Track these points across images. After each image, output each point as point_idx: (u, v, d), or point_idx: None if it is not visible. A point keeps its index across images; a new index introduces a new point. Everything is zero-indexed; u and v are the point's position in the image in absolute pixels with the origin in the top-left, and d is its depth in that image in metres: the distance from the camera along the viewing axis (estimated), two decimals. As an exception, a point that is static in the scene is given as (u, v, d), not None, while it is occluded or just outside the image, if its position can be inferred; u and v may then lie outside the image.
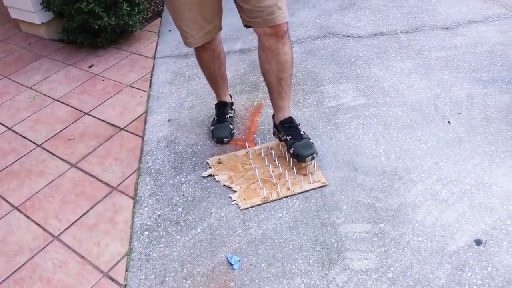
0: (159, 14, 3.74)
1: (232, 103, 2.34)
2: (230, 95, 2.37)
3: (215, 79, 2.19)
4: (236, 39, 3.15)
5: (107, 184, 2.06)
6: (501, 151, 1.96)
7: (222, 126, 2.20)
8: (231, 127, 2.22)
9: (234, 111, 2.37)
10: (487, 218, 1.67)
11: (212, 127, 2.23)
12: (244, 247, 1.68)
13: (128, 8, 3.04)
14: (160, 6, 3.87)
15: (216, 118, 2.26)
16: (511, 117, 2.14)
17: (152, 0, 4.00)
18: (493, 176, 1.84)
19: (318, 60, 2.76)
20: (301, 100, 2.43)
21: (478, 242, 1.59)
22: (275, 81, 1.90)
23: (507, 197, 1.74)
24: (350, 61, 2.72)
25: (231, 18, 3.46)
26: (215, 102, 2.33)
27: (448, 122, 2.15)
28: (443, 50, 2.72)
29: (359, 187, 1.86)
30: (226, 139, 2.17)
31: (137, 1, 3.14)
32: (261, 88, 2.56)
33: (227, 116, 2.24)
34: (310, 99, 2.43)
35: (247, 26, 1.82)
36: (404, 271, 1.52)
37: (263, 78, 1.98)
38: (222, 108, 2.26)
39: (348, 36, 3.00)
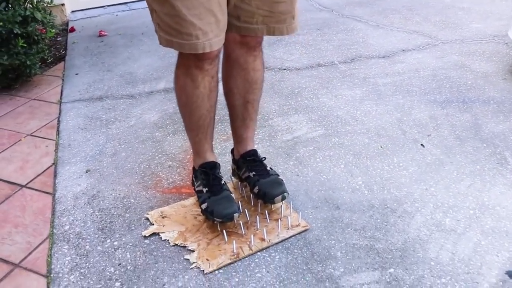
0: (61, 59, 3.22)
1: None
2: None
3: (207, 124, 1.48)
4: (158, 79, 2.74)
5: (6, 261, 1.46)
6: (487, 169, 1.74)
7: (222, 198, 1.46)
8: (234, 196, 1.51)
9: None
10: (507, 244, 1.39)
11: (205, 204, 1.47)
12: (219, 326, 1.20)
13: (25, 45, 2.50)
14: (62, 51, 3.36)
15: (206, 190, 1.50)
16: (481, 134, 1.96)
17: (52, 45, 3.47)
18: (492, 197, 1.59)
19: (258, 94, 2.44)
20: (248, 136, 2.05)
21: (511, 274, 1.28)
22: (239, 103, 1.52)
23: (519, 218, 1.49)
24: (294, 92, 2.44)
25: (146, 59, 3.08)
26: (197, 164, 1.57)
27: (422, 145, 1.91)
28: (388, 76, 2.56)
29: (348, 228, 1.50)
30: (237, 214, 1.42)
31: (35, 38, 2.62)
32: (200, 125, 2.15)
33: (223, 182, 1.52)
34: (260, 134, 2.07)
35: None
36: (441, 327, 1.15)
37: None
38: (213, 172, 1.52)
39: (285, 69, 2.75)
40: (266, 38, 3.27)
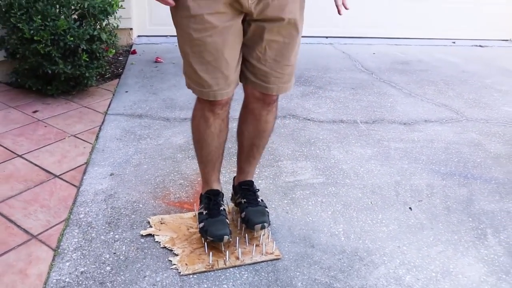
0: (117, 76, 3.63)
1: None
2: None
3: (215, 158, 1.73)
4: (195, 108, 3.05)
5: (26, 232, 1.74)
6: (464, 240, 1.86)
7: (217, 221, 1.66)
8: (228, 222, 1.72)
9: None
10: (455, 310, 1.51)
11: (202, 224, 1.69)
12: (179, 319, 1.40)
13: (87, 60, 2.91)
14: (120, 69, 3.78)
15: (206, 212, 1.71)
16: (471, 209, 2.08)
17: (113, 63, 3.91)
18: (458, 265, 1.71)
19: (277, 137, 2.68)
20: (256, 172, 2.27)
21: (448, 335, 1.40)
22: (247, 144, 1.76)
23: (475, 288, 1.60)
24: (310, 141, 2.66)
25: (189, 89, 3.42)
26: (204, 191, 1.81)
27: (410, 208, 2.06)
28: (402, 142, 2.73)
29: (316, 265, 1.67)
30: (227, 237, 1.62)
31: (97, 55, 3.03)
32: (217, 154, 2.40)
33: (222, 208, 1.73)
34: (267, 172, 2.30)
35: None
36: None
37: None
38: (215, 198, 1.75)
39: (309, 119, 2.98)
40: (301, 89, 3.53)
